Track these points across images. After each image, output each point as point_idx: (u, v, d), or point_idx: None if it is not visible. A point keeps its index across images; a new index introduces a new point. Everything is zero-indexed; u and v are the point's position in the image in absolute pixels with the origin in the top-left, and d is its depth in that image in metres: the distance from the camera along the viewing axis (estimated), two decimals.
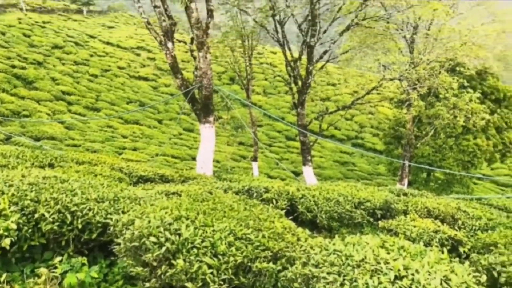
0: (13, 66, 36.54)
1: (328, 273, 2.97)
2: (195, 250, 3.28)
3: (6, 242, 3.16)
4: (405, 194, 8.18)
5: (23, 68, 37.24)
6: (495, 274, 3.67)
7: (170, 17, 11.26)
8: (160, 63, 51.62)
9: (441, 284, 2.84)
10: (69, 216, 3.76)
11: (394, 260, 3.08)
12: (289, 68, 17.24)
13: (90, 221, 3.88)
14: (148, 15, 11.98)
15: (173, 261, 3.19)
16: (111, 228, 3.86)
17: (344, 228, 6.34)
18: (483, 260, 4.00)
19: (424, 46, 17.71)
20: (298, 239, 3.95)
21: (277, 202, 6.34)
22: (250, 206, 4.60)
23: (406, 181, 21.63)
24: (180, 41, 13.32)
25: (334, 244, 3.43)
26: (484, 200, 10.25)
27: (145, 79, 48.25)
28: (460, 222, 5.97)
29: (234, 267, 3.29)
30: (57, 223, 3.69)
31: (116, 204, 4.32)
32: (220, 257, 3.28)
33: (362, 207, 6.56)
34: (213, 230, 3.52)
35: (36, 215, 3.65)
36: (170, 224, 3.52)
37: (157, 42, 11.38)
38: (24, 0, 60.49)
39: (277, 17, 16.39)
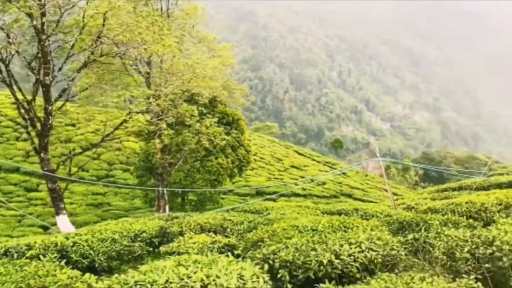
0: None
1: None
2: None
3: None
4: (176, 217, 8.54)
5: None
6: (271, 262, 4.33)
7: None
8: None
9: (238, 280, 3.20)
10: None
11: (195, 273, 3.26)
12: (22, 110, 15.34)
13: None
14: None
15: None
16: None
17: (125, 265, 6.13)
18: (258, 254, 4.65)
19: (160, 80, 18.85)
20: (89, 285, 3.65)
21: (44, 257, 5.59)
22: (20, 266, 3.95)
23: (167, 207, 22.29)
24: None
25: (133, 277, 3.36)
26: (237, 209, 11.68)
27: None
28: (228, 230, 6.69)
29: None
30: None
31: None
32: None
33: (139, 239, 6.53)
34: None
35: None
36: None
37: None
38: None
39: None
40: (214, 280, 3.14)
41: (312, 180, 48.67)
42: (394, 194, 46.01)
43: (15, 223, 28.13)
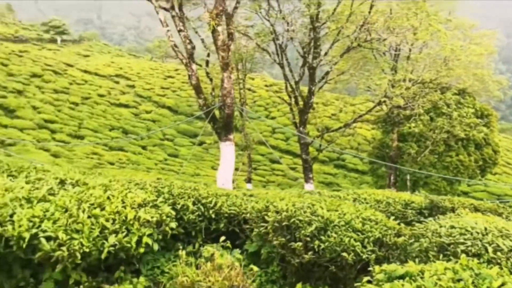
0: None
1: (465, 239, 3.43)
2: None
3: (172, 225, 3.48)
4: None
5: (3, 97, 36.76)
6: None
7: (190, 41, 11.75)
8: (139, 90, 51.63)
9: None
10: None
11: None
12: (289, 89, 17.90)
13: None
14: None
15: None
16: None
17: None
18: None
19: (415, 65, 18.65)
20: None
21: None
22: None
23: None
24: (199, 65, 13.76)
25: (447, 222, 3.91)
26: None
27: (126, 106, 48.05)
28: (504, 215, 6.57)
29: None
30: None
31: None
32: None
33: (409, 207, 7.13)
34: None
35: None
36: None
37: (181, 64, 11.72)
38: None
39: (278, 41, 17.15)
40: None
41: None
42: None
43: (260, 187, 33.01)
